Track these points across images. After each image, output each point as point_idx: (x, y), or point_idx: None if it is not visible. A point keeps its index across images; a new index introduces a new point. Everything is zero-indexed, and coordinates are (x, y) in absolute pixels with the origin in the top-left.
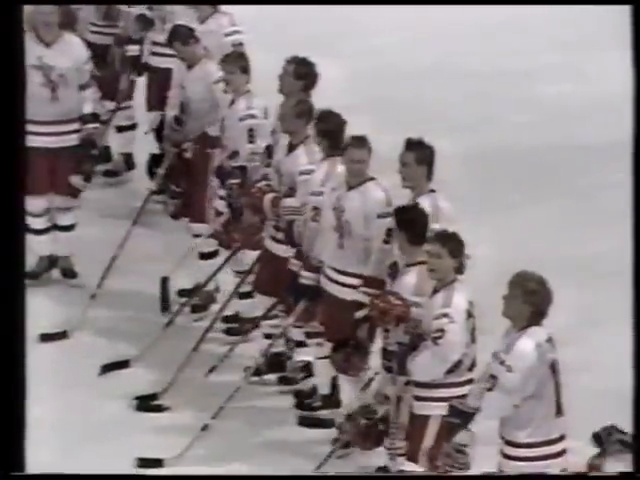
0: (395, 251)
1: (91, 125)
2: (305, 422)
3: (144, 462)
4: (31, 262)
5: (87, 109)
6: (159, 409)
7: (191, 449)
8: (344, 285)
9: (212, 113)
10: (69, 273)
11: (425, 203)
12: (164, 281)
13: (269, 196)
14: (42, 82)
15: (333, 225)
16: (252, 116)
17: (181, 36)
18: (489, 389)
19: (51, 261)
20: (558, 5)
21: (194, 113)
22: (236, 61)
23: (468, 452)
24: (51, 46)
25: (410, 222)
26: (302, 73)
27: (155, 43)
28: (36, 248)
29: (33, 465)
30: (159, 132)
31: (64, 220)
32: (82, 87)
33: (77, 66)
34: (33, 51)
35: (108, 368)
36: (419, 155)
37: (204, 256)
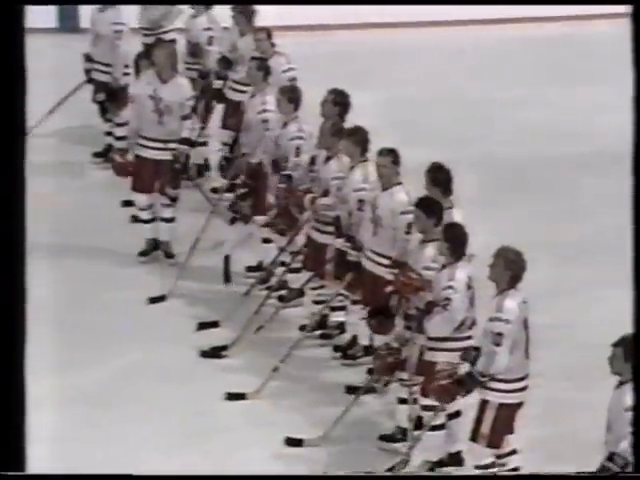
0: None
1: (182, 147)
2: (351, 391)
3: (230, 396)
4: (141, 244)
5: (184, 134)
6: (225, 357)
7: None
8: (378, 264)
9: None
10: (169, 254)
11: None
12: (226, 259)
13: (309, 196)
14: (153, 109)
15: (370, 217)
16: (300, 137)
17: (258, 61)
18: (497, 344)
19: (156, 243)
20: (558, 5)
21: (254, 132)
22: (285, 93)
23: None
24: (165, 83)
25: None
26: (339, 101)
27: (233, 80)
28: (144, 233)
29: (132, 398)
30: (232, 146)
31: (166, 214)
32: (183, 117)
33: (181, 101)
34: (152, 84)
35: (202, 326)
36: (434, 177)
37: (265, 240)
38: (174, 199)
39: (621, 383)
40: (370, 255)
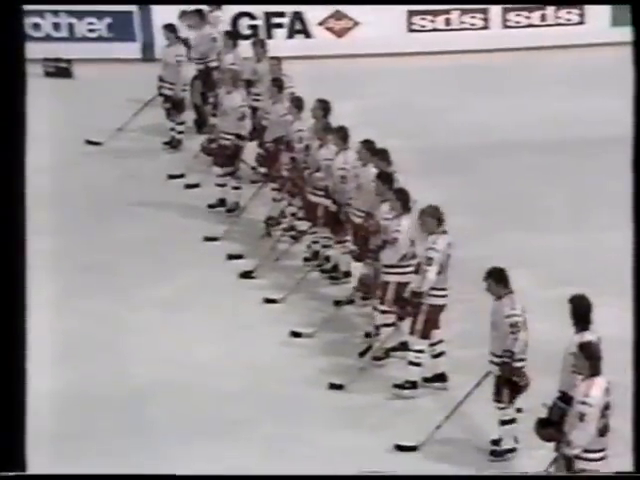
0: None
1: (237, 140)
2: (341, 303)
3: (267, 300)
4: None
5: (238, 131)
6: (254, 277)
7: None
8: (359, 217)
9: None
10: (230, 210)
11: None
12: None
13: (307, 171)
14: (219, 112)
15: (354, 185)
16: (301, 130)
17: (274, 80)
18: (428, 265)
19: (222, 202)
20: (558, 6)
21: (275, 128)
22: (294, 101)
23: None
24: (227, 94)
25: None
26: (322, 107)
27: (254, 93)
28: (215, 194)
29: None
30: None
31: (233, 183)
32: (239, 119)
33: (234, 107)
34: (220, 95)
35: (231, 257)
36: (370, 150)
37: (274, 199)
38: (232, 173)
39: (498, 297)
40: (354, 212)
